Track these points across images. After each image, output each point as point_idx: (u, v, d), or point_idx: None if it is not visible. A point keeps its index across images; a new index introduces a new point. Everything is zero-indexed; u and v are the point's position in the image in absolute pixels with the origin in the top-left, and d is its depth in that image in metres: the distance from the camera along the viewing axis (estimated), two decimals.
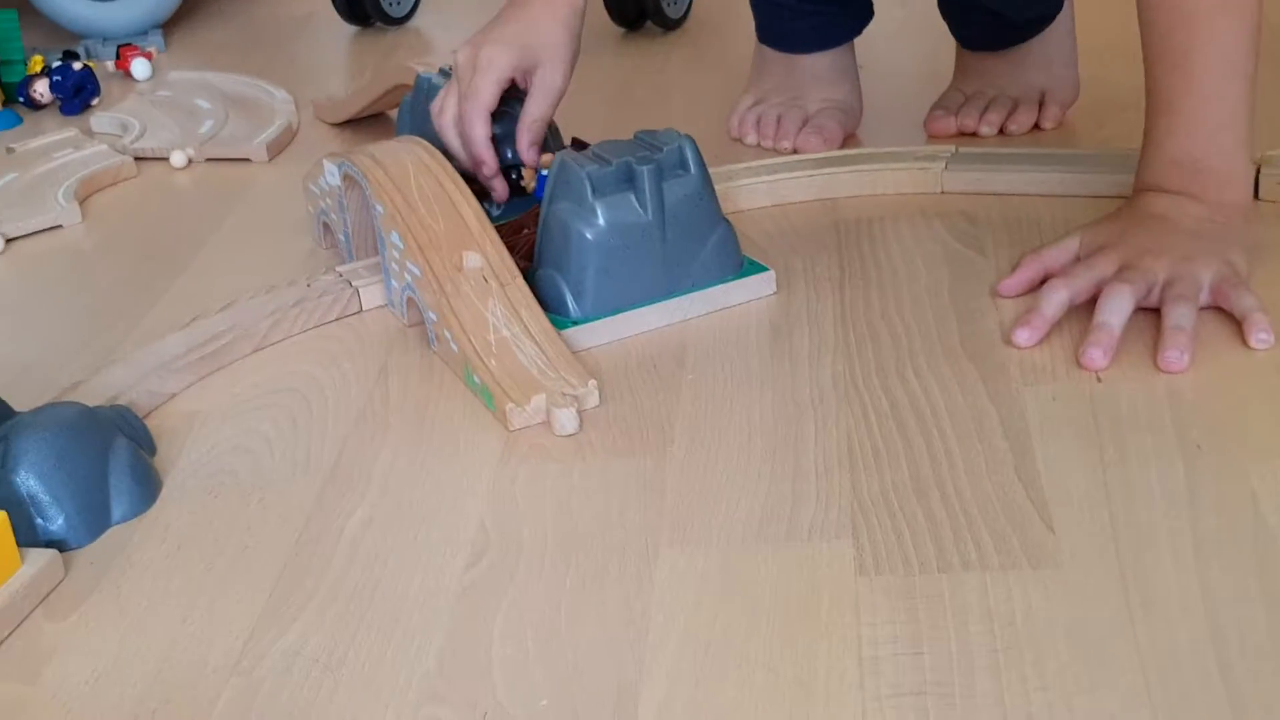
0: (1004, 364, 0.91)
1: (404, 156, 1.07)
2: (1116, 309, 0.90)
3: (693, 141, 1.02)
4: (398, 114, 1.30)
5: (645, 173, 0.99)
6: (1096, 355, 0.89)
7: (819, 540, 0.76)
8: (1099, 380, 0.88)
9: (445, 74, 1.24)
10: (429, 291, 0.99)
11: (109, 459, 0.86)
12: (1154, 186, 0.99)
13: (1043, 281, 0.97)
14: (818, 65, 1.33)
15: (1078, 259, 0.97)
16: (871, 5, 1.35)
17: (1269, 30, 1.00)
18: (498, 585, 0.76)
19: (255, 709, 0.69)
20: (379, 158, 1.07)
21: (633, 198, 1.00)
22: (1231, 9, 0.95)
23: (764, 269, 1.05)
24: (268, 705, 0.69)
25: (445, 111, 1.12)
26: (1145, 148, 1.00)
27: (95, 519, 0.84)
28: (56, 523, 0.83)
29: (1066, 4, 1.30)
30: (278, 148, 1.48)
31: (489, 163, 1.11)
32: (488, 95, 1.09)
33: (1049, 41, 1.30)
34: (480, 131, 1.09)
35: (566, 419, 0.89)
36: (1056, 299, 0.93)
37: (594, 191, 0.99)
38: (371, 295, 1.09)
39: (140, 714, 0.69)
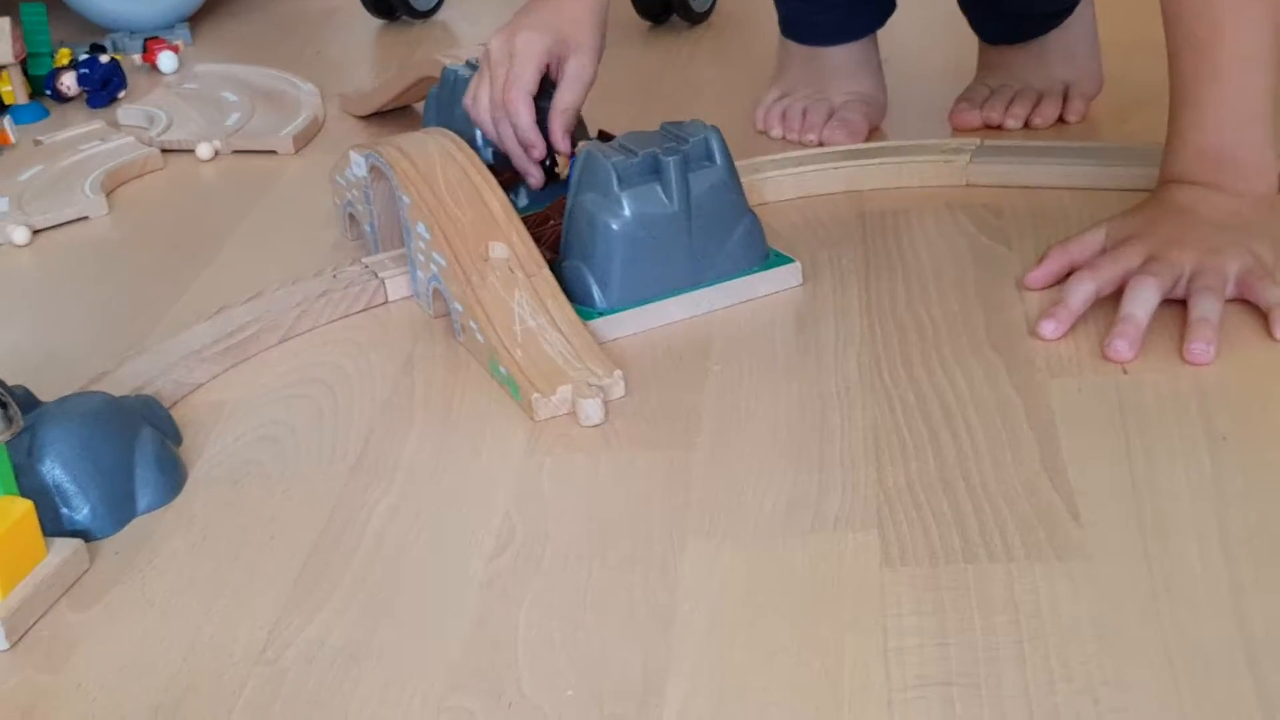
0: (1030, 356, 0.91)
1: (430, 147, 1.07)
2: (1142, 301, 0.90)
3: (718, 132, 1.02)
4: (424, 106, 1.30)
5: (671, 164, 0.99)
6: (1122, 347, 0.88)
7: (845, 531, 0.76)
8: (1125, 372, 0.88)
9: (472, 66, 1.24)
10: (455, 282, 0.99)
11: (134, 449, 0.86)
12: (1179, 178, 0.98)
13: (1069, 274, 0.97)
14: (841, 58, 1.33)
15: (1104, 251, 0.97)
16: None
17: None
18: (523, 575, 0.76)
19: (280, 698, 0.69)
20: (405, 149, 1.07)
21: (659, 189, 1.00)
22: (1255, 0, 0.94)
23: (789, 260, 1.04)
24: (293, 695, 0.69)
25: (480, 100, 1.12)
26: (1170, 140, 0.99)
27: (121, 509, 0.85)
28: (82, 512, 0.83)
29: None
30: (304, 140, 1.48)
31: (538, 144, 1.11)
32: (529, 79, 1.09)
33: (1071, 34, 1.29)
34: (526, 115, 1.10)
35: (592, 409, 0.89)
36: (1082, 291, 0.93)
37: (620, 182, 0.99)
38: (397, 286, 1.09)
39: (164, 703, 0.70)
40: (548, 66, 1.11)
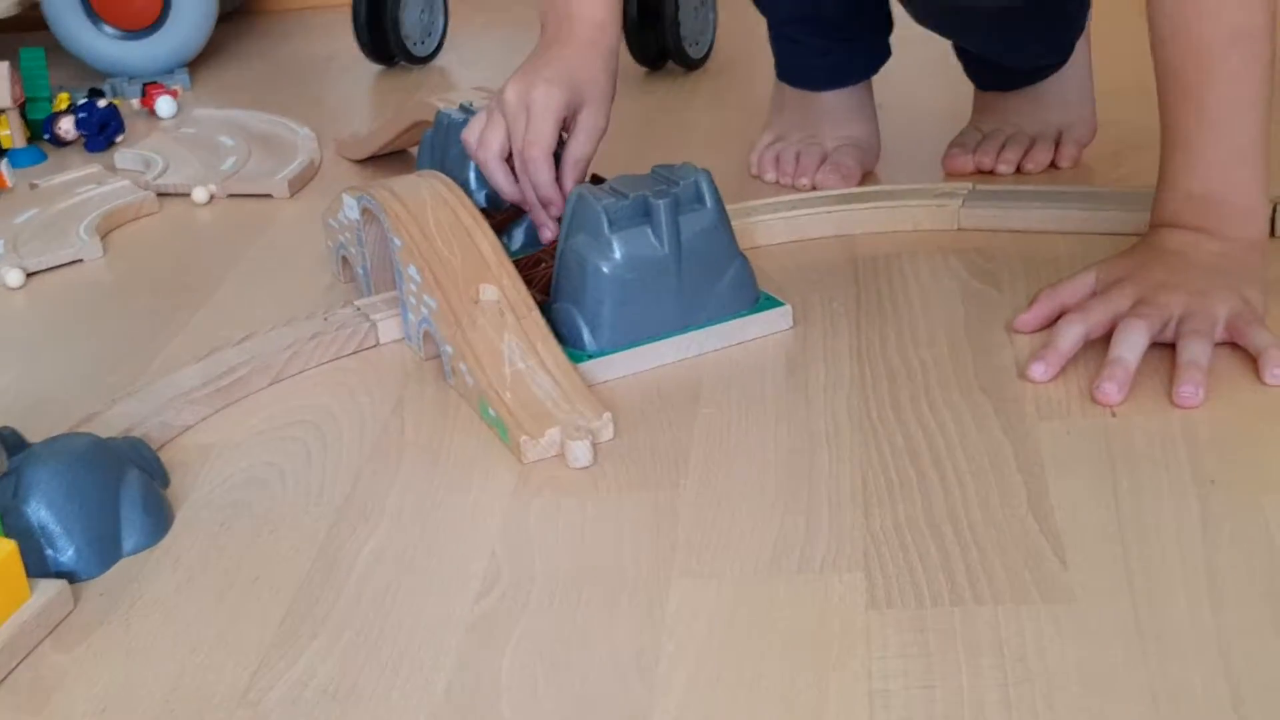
0: (1019, 398, 0.91)
1: (422, 190, 1.07)
2: (1131, 344, 0.90)
3: (709, 175, 1.03)
4: (419, 150, 1.30)
5: (662, 206, 0.99)
6: (1111, 390, 0.88)
7: (831, 573, 0.76)
8: (1113, 415, 0.87)
9: (465, 109, 1.24)
10: (445, 324, 0.99)
11: (120, 490, 0.86)
12: (1169, 222, 0.98)
13: (1059, 317, 0.97)
14: (836, 102, 1.34)
15: (1094, 294, 0.97)
16: (889, 44, 1.35)
17: None
18: (509, 617, 0.75)
19: None
20: (397, 191, 1.08)
21: (649, 231, 1.00)
22: (1244, 43, 0.94)
23: (780, 304, 1.05)
24: None
25: (489, 145, 1.12)
26: (1160, 184, 1.00)
27: (106, 550, 0.84)
28: (67, 554, 0.83)
29: (1082, 43, 1.30)
30: (300, 184, 1.49)
31: (558, 202, 1.10)
32: (550, 137, 1.09)
33: (1065, 80, 1.30)
34: (547, 174, 1.09)
35: (581, 452, 0.89)
36: (1072, 334, 0.93)
37: (610, 225, 0.99)
38: (389, 329, 1.09)
39: None
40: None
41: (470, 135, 1.14)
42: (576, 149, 1.10)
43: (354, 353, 1.08)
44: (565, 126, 1.11)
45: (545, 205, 1.11)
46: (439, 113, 1.26)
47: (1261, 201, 0.97)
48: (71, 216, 1.42)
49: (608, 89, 1.12)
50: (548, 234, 1.11)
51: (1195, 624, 0.69)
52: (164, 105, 1.81)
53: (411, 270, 1.03)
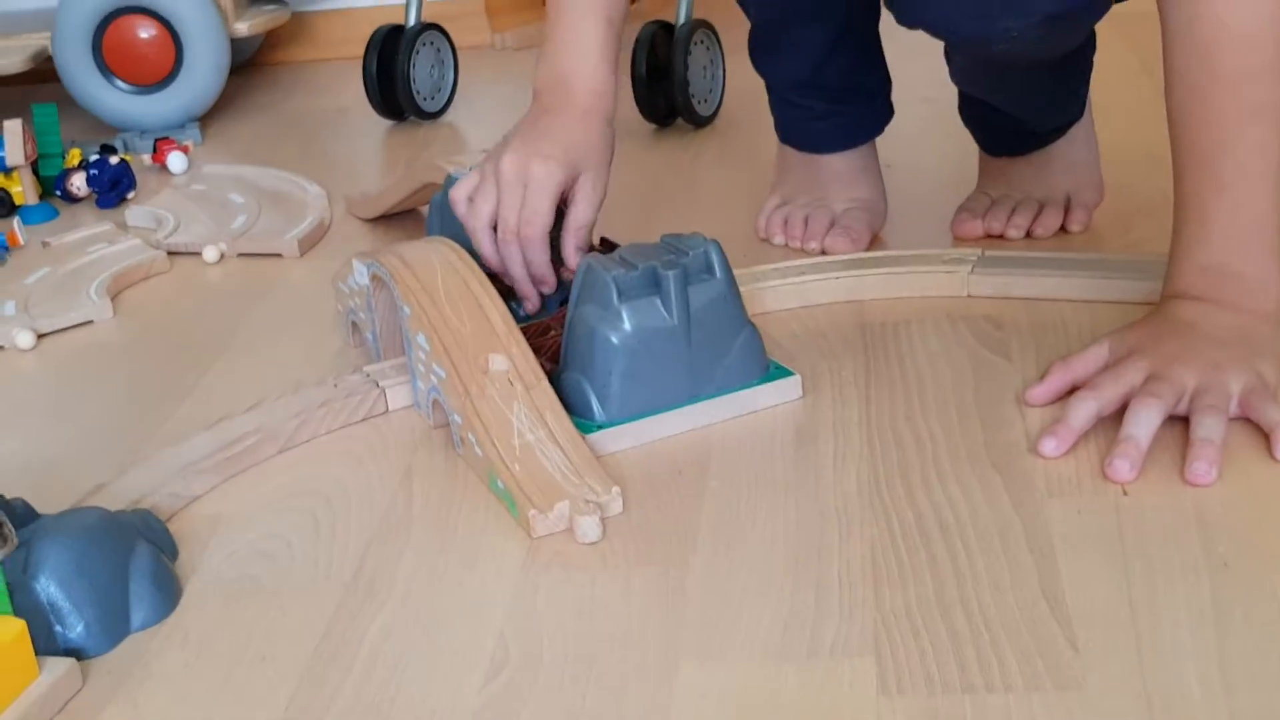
0: (1029, 474, 0.91)
1: (432, 258, 1.08)
2: (1144, 421, 0.90)
3: (718, 246, 1.03)
4: (428, 211, 1.31)
5: (671, 277, 0.99)
6: (1123, 468, 0.88)
7: (841, 657, 0.75)
8: (1125, 493, 0.87)
9: None
10: (454, 394, 0.99)
11: (130, 565, 0.86)
12: (1182, 293, 0.98)
13: (1071, 390, 0.96)
14: (840, 165, 1.34)
15: (1106, 367, 0.97)
16: (891, 104, 1.35)
17: None
18: (516, 700, 0.75)
19: None
20: (407, 259, 1.08)
21: (658, 302, 1.00)
22: (1261, 116, 0.94)
23: (789, 373, 1.04)
24: None
25: (480, 215, 1.11)
26: (1173, 254, 1.00)
27: (114, 626, 0.84)
28: (76, 630, 0.83)
29: (1086, 107, 1.31)
30: (310, 243, 1.49)
31: (550, 282, 1.11)
32: (547, 215, 1.09)
33: (1072, 144, 1.30)
34: (542, 254, 1.09)
35: (589, 527, 0.89)
36: (1084, 410, 0.92)
37: (620, 296, 1.00)
38: (398, 396, 1.09)
39: None
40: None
41: (459, 195, 1.14)
42: (578, 217, 1.11)
43: (363, 420, 1.08)
44: (562, 198, 1.11)
45: (538, 284, 1.11)
46: (448, 176, 1.26)
47: (1276, 274, 0.97)
48: (82, 276, 1.42)
49: (606, 156, 1.13)
50: (531, 306, 1.12)
51: (1207, 711, 0.68)
52: (175, 161, 1.81)
53: (420, 339, 1.03)
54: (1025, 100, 1.27)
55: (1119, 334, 0.99)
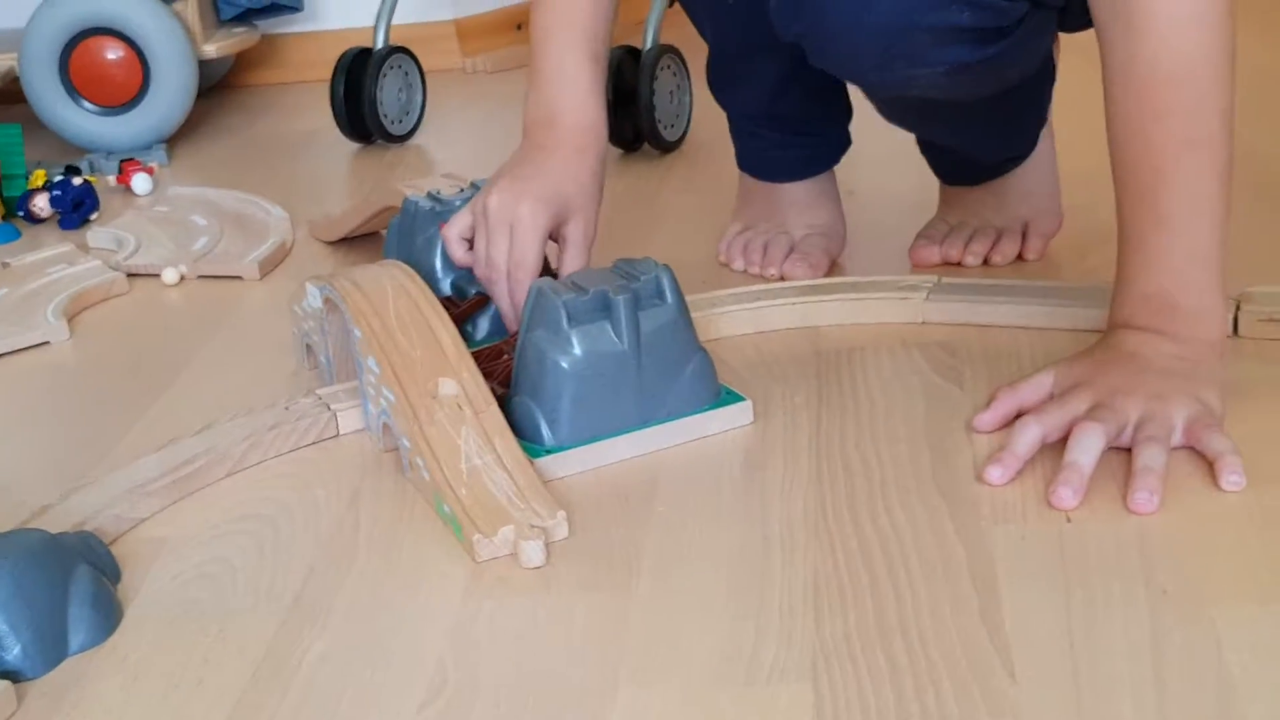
0: (975, 501, 0.90)
1: (384, 281, 1.07)
2: (1087, 449, 0.90)
3: (670, 271, 1.03)
4: (386, 235, 1.31)
5: (621, 302, 0.99)
6: (1066, 495, 0.88)
7: (778, 684, 0.75)
8: (1068, 520, 0.87)
9: (433, 197, 1.24)
10: (403, 418, 0.99)
11: (69, 587, 0.85)
12: (1126, 323, 0.98)
13: (1018, 416, 0.96)
14: (799, 193, 1.34)
15: (1051, 396, 0.97)
16: (849, 134, 1.35)
17: (1251, 161, 1.00)
18: None
19: None
20: (359, 282, 1.08)
21: (609, 327, 1.00)
22: (1200, 146, 0.95)
23: (740, 399, 1.04)
24: None
25: (496, 263, 1.10)
26: (1117, 283, 1.00)
27: (52, 649, 0.83)
28: (12, 653, 0.82)
29: (1046, 135, 1.31)
30: (270, 265, 1.49)
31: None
32: (536, 260, 1.09)
33: (1030, 173, 1.31)
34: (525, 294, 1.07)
35: (533, 551, 0.89)
36: (1028, 437, 0.93)
37: (570, 320, 0.99)
38: (349, 419, 1.09)
39: None
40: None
41: (450, 235, 1.14)
42: (568, 264, 1.10)
43: (314, 443, 1.08)
44: (554, 238, 1.11)
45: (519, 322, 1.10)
46: (406, 199, 1.26)
47: (1218, 302, 0.97)
48: (40, 297, 1.42)
49: (596, 195, 1.13)
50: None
51: None
52: (140, 182, 1.81)
53: (371, 362, 1.02)
54: (963, 135, 1.28)
55: (1065, 364, 0.99)
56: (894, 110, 1.25)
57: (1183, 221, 0.95)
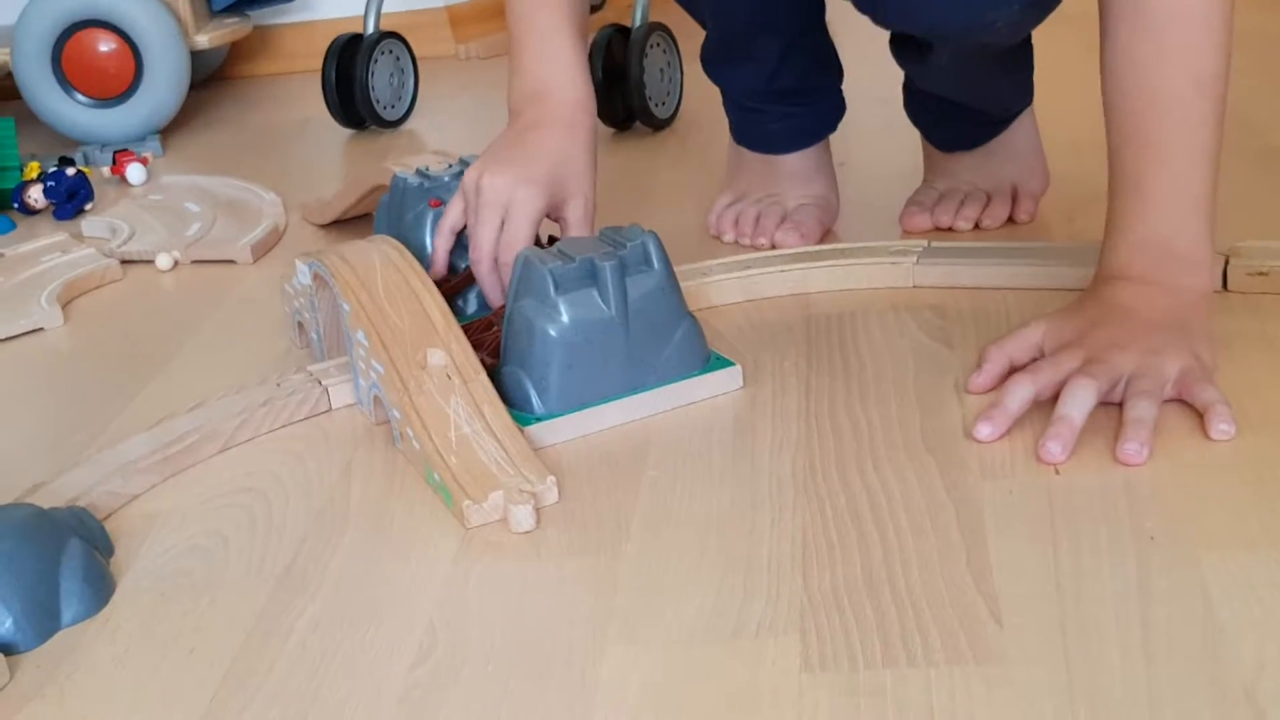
0: (964, 458, 0.90)
1: (372, 255, 1.08)
2: (1079, 403, 0.90)
3: (656, 237, 1.03)
4: (376, 213, 1.31)
5: (608, 269, 0.99)
6: (1055, 448, 0.88)
7: (766, 636, 0.75)
8: (1057, 473, 0.87)
9: (421, 174, 1.24)
10: (392, 389, 0.99)
11: (60, 561, 0.86)
12: (1118, 274, 0.98)
13: (1010, 373, 0.96)
14: (795, 164, 1.34)
15: (1041, 350, 0.97)
16: (843, 98, 1.35)
17: (1234, 120, 1.00)
18: (441, 687, 0.75)
19: None
20: (348, 257, 1.08)
21: (596, 294, 1.00)
22: (1206, 86, 0.94)
23: (730, 364, 1.04)
24: None
25: (483, 246, 1.10)
26: (1110, 231, 1.00)
27: (44, 621, 0.84)
28: (4, 625, 0.82)
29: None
30: (263, 249, 1.49)
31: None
32: (528, 240, 1.09)
33: (1015, 134, 1.31)
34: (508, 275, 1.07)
35: (523, 516, 0.89)
36: (1020, 394, 0.92)
37: (557, 288, 0.99)
38: (341, 394, 1.09)
39: None
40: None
41: (444, 228, 1.14)
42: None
43: (306, 418, 1.08)
44: (552, 218, 1.11)
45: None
46: (395, 177, 1.26)
47: (1210, 253, 0.97)
48: (34, 285, 1.42)
49: (591, 172, 1.13)
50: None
51: (1127, 683, 0.68)
52: (134, 172, 1.81)
53: (360, 335, 1.03)
54: (991, 87, 1.27)
55: (1055, 319, 0.99)
56: (933, 72, 1.24)
57: (1184, 168, 0.95)
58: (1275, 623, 0.72)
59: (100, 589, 0.87)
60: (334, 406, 1.09)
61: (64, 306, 1.38)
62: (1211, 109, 0.95)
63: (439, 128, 1.99)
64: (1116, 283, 0.98)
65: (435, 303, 1.03)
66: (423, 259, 1.17)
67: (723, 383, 1.04)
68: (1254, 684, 0.67)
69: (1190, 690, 0.67)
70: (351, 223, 1.53)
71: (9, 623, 0.83)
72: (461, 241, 1.17)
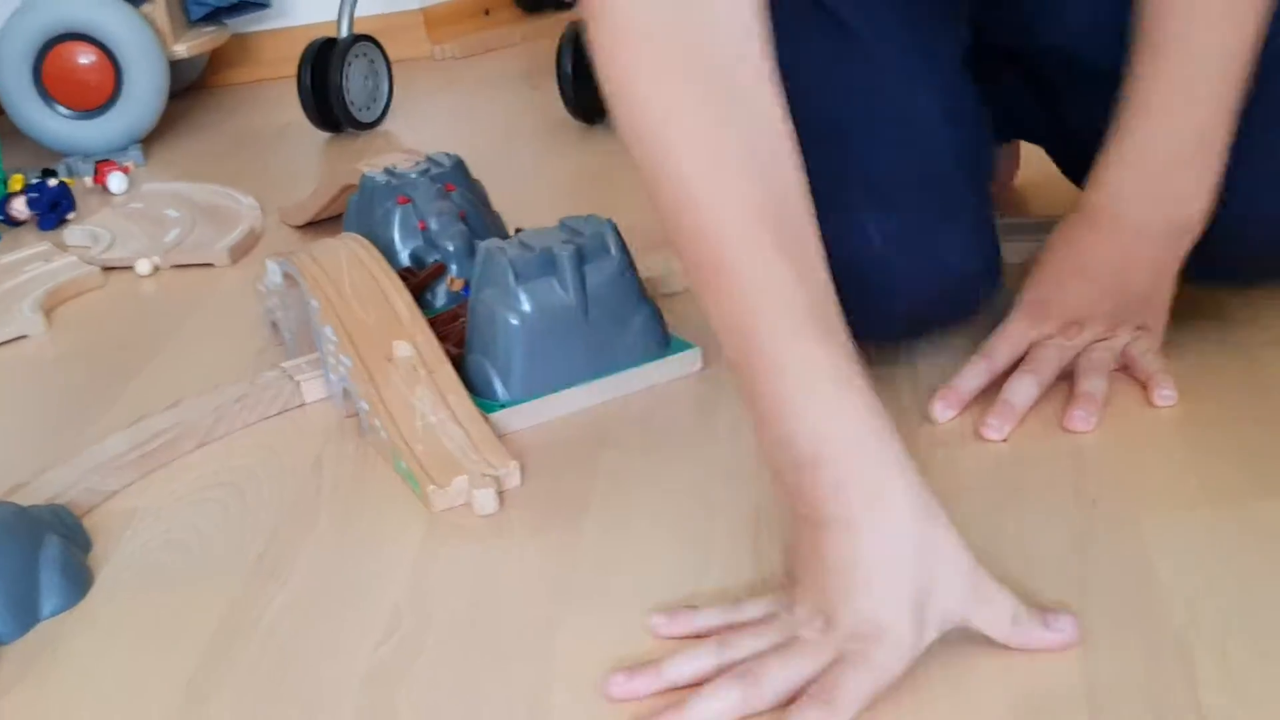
0: (914, 429, 0.93)
1: (340, 253, 1.10)
2: (1021, 391, 0.92)
3: (614, 226, 1.05)
4: (346, 212, 1.33)
5: (565, 257, 1.02)
6: (994, 426, 0.90)
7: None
8: (1004, 442, 0.90)
9: (389, 172, 1.27)
10: (360, 382, 1.01)
11: (39, 556, 0.88)
12: (1102, 203, 0.95)
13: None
14: None
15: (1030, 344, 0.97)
16: None
17: None
18: (405, 665, 0.77)
19: None
20: (315, 255, 1.10)
21: (555, 282, 1.03)
22: (1243, 19, 0.90)
23: (691, 346, 1.07)
24: None
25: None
26: (1107, 143, 0.95)
27: (23, 614, 0.86)
28: None
29: None
30: (240, 252, 1.51)
31: None
32: None
33: None
34: None
35: (486, 499, 0.91)
36: (977, 377, 0.95)
37: (517, 278, 1.02)
38: (313, 389, 1.12)
39: None
40: None
41: None
42: None
43: (279, 414, 1.11)
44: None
45: None
46: (363, 176, 1.29)
47: (1210, 183, 0.92)
48: (17, 294, 1.44)
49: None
50: None
51: None
52: (115, 181, 1.83)
53: (329, 331, 1.05)
54: None
55: (1029, 304, 0.98)
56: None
57: (1205, 90, 0.91)
58: (1209, 576, 0.75)
59: (78, 583, 0.89)
60: (306, 401, 1.12)
61: (47, 314, 1.40)
62: (1243, 37, 0.89)
63: (415, 128, 2.01)
64: (1096, 220, 0.96)
65: (401, 296, 1.06)
66: (390, 255, 1.20)
67: (683, 365, 1.07)
68: (1184, 631, 0.70)
69: (1124, 645, 0.70)
70: (326, 223, 1.55)
71: None
72: (427, 236, 1.20)
